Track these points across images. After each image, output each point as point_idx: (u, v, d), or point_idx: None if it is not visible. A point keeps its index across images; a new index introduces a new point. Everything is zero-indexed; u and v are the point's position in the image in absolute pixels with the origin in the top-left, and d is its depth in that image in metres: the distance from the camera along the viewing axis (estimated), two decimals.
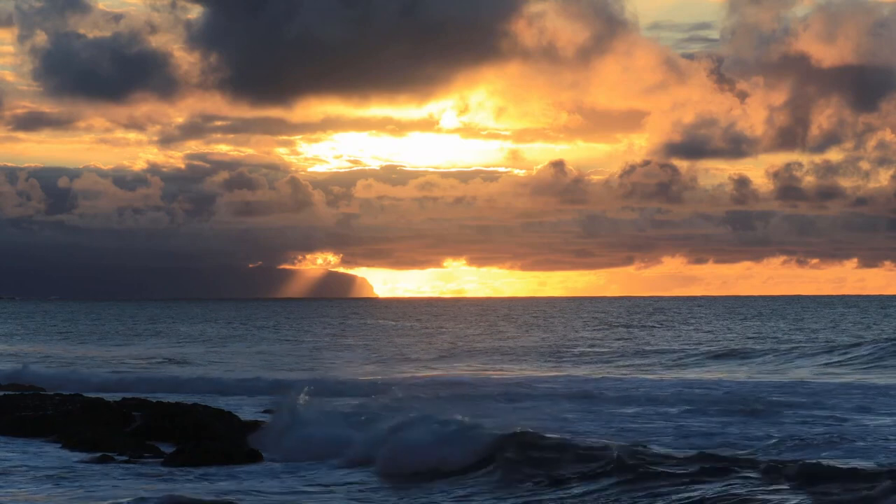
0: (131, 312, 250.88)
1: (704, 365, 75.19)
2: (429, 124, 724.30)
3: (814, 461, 26.83)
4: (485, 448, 29.52)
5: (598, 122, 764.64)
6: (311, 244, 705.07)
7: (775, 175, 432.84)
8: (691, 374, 66.40)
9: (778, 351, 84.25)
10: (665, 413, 44.31)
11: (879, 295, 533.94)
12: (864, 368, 69.11)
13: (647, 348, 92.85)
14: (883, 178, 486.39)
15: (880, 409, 44.44)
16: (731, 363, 76.19)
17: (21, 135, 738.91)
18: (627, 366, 75.29)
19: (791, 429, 38.52)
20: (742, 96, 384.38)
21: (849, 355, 77.07)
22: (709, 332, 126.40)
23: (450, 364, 77.99)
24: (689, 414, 43.76)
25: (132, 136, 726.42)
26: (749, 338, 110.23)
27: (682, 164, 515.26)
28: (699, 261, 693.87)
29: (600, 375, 64.91)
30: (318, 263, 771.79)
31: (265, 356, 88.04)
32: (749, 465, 26.76)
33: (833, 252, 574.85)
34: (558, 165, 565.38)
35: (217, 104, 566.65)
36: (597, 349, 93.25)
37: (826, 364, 73.02)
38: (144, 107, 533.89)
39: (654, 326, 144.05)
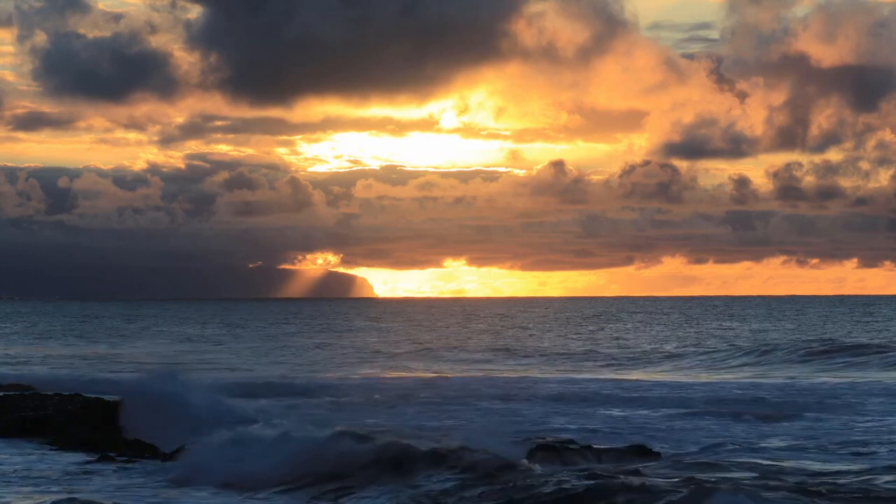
0: (131, 312, 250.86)
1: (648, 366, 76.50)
2: (429, 124, 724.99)
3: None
4: (302, 455, 27.91)
5: (598, 122, 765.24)
6: (311, 244, 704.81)
7: (775, 175, 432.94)
8: (619, 375, 67.25)
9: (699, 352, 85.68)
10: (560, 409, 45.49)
11: (879, 295, 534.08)
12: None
13: (595, 350, 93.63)
14: (883, 178, 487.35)
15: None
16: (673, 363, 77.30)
17: (21, 135, 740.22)
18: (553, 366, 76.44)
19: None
20: (742, 96, 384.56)
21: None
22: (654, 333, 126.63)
23: (422, 364, 78.52)
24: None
25: (132, 136, 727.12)
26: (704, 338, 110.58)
27: (681, 164, 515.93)
28: (699, 261, 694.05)
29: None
30: (318, 263, 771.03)
31: (258, 356, 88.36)
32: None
33: (833, 252, 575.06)
34: (558, 165, 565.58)
35: (217, 104, 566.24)
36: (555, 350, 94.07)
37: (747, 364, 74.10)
38: (144, 107, 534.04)
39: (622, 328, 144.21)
